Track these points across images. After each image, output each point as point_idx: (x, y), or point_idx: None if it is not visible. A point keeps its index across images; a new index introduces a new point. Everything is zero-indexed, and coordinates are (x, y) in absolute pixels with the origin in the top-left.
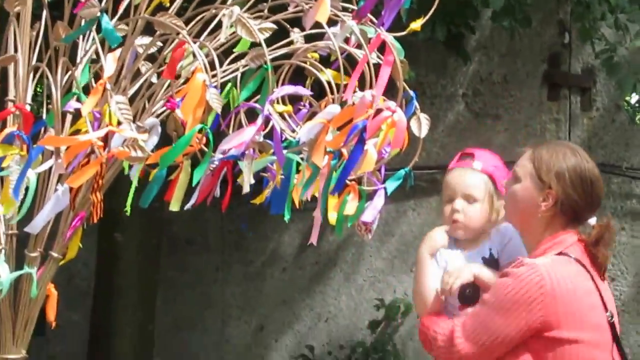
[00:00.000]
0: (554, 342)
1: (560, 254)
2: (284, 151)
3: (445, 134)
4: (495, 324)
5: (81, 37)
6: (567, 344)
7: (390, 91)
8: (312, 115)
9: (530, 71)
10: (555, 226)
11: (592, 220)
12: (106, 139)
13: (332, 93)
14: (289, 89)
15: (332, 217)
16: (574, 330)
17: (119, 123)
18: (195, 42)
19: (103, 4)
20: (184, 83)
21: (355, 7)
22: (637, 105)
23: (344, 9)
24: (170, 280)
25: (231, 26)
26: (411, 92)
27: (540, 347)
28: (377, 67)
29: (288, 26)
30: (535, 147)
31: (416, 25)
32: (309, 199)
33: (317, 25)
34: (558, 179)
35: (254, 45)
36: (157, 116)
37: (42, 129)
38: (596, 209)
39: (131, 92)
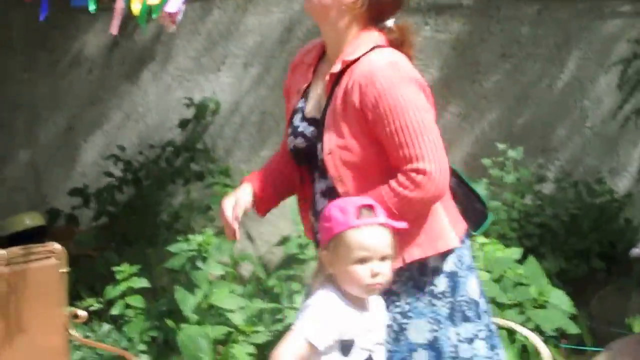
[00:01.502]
0: None
1: (375, 47)
2: None
3: None
4: (426, 121)
5: None
6: None
7: None
8: None
9: None
10: (358, 23)
11: (390, 22)
12: None
13: None
14: None
15: (136, 8)
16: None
17: None
18: None
19: None
20: None
21: None
22: None
23: None
24: None
25: None
26: None
27: None
28: None
29: None
30: None
31: None
32: None
33: None
34: None
35: None
36: None
37: None
38: (397, 10)
39: None
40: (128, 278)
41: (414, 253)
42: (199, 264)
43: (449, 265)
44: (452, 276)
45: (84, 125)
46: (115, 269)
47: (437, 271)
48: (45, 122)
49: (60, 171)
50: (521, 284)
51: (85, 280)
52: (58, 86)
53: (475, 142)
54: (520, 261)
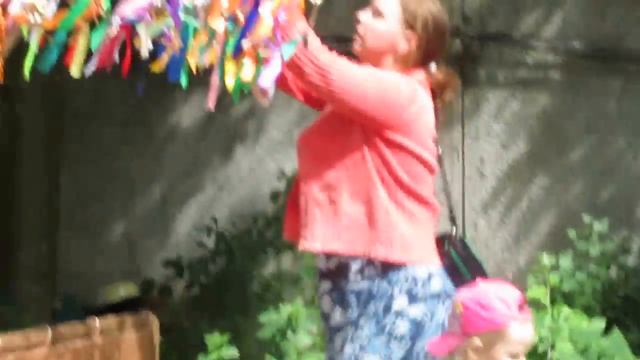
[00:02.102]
0: (396, 146)
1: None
2: (181, 15)
3: (344, 6)
4: (369, 90)
5: None
6: (411, 155)
7: None
8: None
9: None
10: (407, 66)
11: (432, 67)
12: (5, 5)
13: None
14: None
15: (230, 84)
16: (420, 145)
17: None
18: None
19: None
20: None
21: None
22: None
23: None
24: (73, 154)
25: None
26: None
27: (381, 146)
28: None
29: None
30: None
31: None
32: (207, 67)
33: None
34: (423, 26)
35: None
36: None
37: None
38: (442, 54)
39: None
40: (219, 348)
41: (380, 251)
42: (289, 334)
43: (414, 311)
44: (417, 325)
45: (178, 196)
46: (206, 338)
47: (401, 314)
48: (141, 193)
49: (154, 242)
50: (605, 356)
51: (177, 350)
52: (154, 159)
53: (560, 214)
54: (604, 333)
